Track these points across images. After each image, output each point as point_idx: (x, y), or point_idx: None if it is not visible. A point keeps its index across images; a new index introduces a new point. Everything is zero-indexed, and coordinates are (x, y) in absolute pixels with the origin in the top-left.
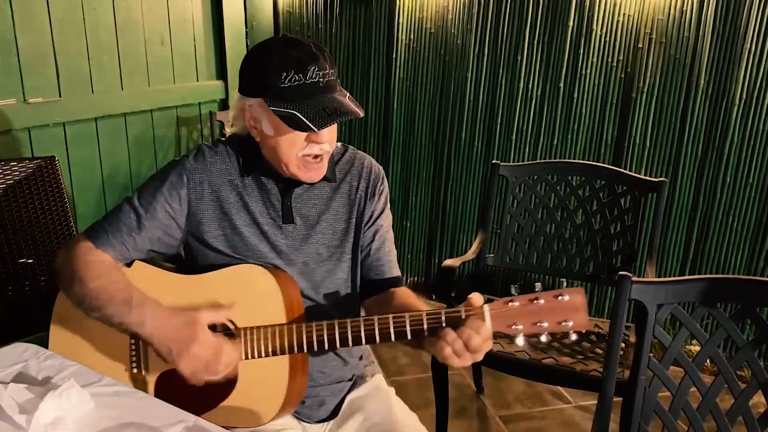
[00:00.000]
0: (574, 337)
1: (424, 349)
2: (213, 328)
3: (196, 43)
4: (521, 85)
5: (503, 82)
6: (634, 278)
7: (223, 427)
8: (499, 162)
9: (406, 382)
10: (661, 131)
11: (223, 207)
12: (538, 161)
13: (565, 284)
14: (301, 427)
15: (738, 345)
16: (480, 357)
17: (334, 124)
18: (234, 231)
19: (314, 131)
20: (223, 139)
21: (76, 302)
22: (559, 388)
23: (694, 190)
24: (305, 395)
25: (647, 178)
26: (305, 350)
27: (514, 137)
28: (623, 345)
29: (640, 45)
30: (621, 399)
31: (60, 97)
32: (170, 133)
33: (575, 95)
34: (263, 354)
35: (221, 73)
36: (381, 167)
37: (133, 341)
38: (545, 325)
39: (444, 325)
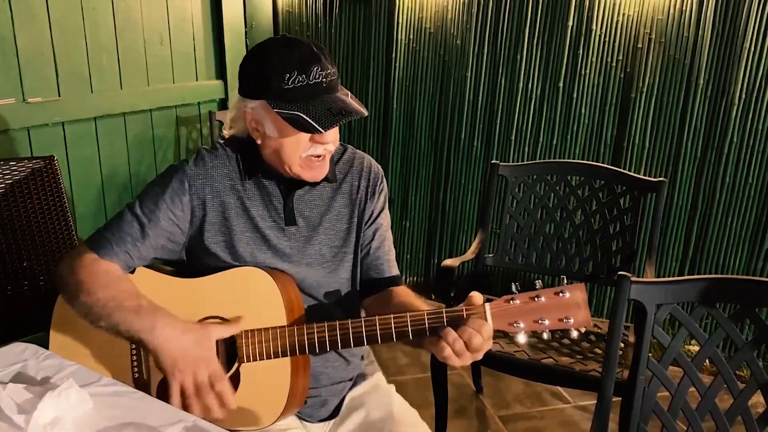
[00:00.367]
0: (575, 334)
1: (424, 348)
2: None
3: (196, 42)
4: (521, 84)
5: (503, 81)
6: (634, 278)
7: (226, 429)
8: (498, 162)
9: (406, 382)
10: (660, 131)
11: (224, 212)
12: (537, 161)
13: (565, 280)
14: (303, 426)
15: (737, 345)
16: (480, 356)
17: (340, 124)
18: (233, 236)
19: (321, 132)
20: (222, 141)
21: (83, 313)
22: (559, 388)
23: (694, 189)
24: (307, 395)
25: (646, 177)
26: (307, 352)
27: (513, 137)
28: (622, 345)
29: (640, 45)
30: (620, 399)
31: (59, 96)
32: (170, 132)
33: (575, 95)
34: (265, 357)
35: (221, 73)
36: (380, 166)
37: (134, 347)
38: (546, 322)
39: (445, 324)
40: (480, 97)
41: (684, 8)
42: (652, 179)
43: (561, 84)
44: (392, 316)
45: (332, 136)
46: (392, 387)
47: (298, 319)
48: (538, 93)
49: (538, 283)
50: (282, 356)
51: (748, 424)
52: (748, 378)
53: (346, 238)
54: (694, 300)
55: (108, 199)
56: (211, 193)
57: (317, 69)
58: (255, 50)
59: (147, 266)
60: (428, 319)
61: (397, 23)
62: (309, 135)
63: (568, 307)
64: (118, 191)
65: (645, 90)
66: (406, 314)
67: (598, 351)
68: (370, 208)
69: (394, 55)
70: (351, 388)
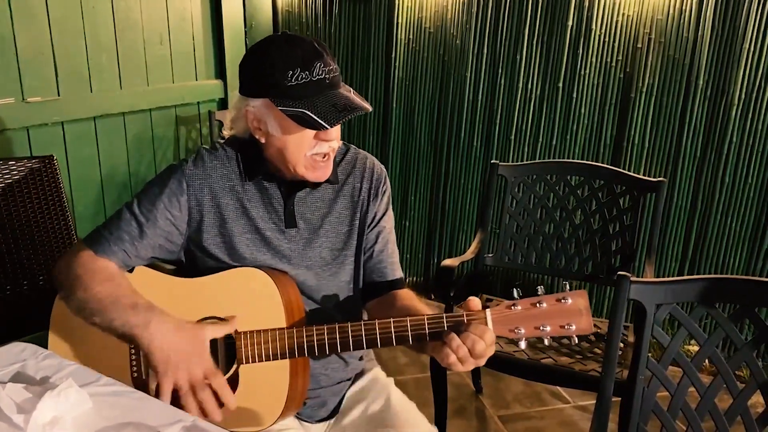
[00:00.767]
0: (575, 339)
1: (426, 353)
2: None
3: (195, 42)
4: (520, 84)
5: (502, 81)
6: (633, 278)
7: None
8: (498, 162)
9: (405, 382)
10: (660, 131)
11: (223, 214)
12: (537, 161)
13: (567, 286)
14: (302, 427)
15: (737, 345)
16: (483, 362)
17: (345, 120)
18: (233, 238)
19: (327, 128)
20: (222, 141)
21: (77, 308)
22: (558, 387)
23: (693, 189)
24: (307, 396)
25: (646, 178)
26: (306, 354)
27: (513, 137)
28: (622, 345)
29: (639, 45)
30: (620, 399)
31: (59, 96)
32: (169, 132)
33: (574, 95)
34: (263, 359)
35: (220, 73)
36: (383, 166)
37: (133, 347)
38: (548, 329)
39: (446, 329)
40: (480, 97)
41: (684, 8)
42: (651, 179)
43: (560, 84)
44: (392, 320)
45: (336, 133)
46: (391, 380)
47: (297, 321)
48: (538, 93)
49: (540, 289)
50: (281, 358)
51: (748, 424)
52: (748, 378)
53: (347, 241)
54: (694, 300)
55: (107, 199)
56: (210, 193)
57: (320, 65)
58: (256, 48)
59: (147, 265)
60: (428, 324)
61: (397, 23)
62: (313, 133)
63: (570, 314)
64: (117, 191)
65: (644, 90)
66: (406, 318)
67: (598, 351)
68: (373, 210)
69: (393, 55)
70: (350, 387)
